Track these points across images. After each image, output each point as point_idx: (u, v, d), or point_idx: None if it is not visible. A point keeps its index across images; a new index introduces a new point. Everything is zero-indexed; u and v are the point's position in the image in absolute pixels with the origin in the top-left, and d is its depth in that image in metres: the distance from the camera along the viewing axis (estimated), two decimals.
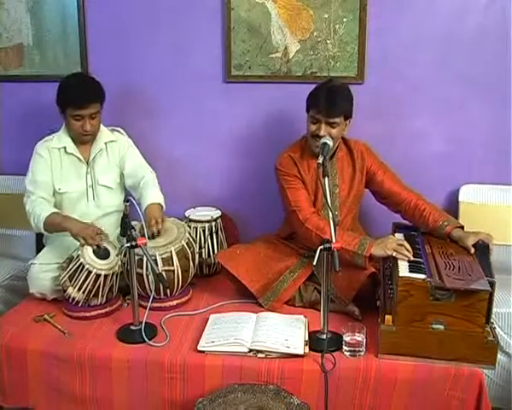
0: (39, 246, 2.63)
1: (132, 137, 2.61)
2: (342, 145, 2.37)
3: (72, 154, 2.44)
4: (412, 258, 2.03)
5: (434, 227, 2.21)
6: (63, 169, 2.44)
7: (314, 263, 1.89)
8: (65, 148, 2.43)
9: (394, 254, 2.06)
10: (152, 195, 2.40)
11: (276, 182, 2.39)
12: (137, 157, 2.56)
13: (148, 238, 2.17)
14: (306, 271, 2.27)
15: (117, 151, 2.52)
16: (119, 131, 2.58)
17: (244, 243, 2.58)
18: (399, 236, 2.25)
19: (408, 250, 2.06)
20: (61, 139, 2.44)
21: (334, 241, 1.89)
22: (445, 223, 2.18)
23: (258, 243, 2.47)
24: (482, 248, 2.08)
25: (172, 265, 2.24)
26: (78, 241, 2.21)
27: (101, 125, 2.49)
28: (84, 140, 2.43)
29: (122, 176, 2.54)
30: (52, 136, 2.46)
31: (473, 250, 2.06)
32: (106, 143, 2.49)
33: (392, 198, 2.35)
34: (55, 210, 2.32)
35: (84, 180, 2.46)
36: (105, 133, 2.50)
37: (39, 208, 2.29)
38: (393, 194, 2.33)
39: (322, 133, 2.20)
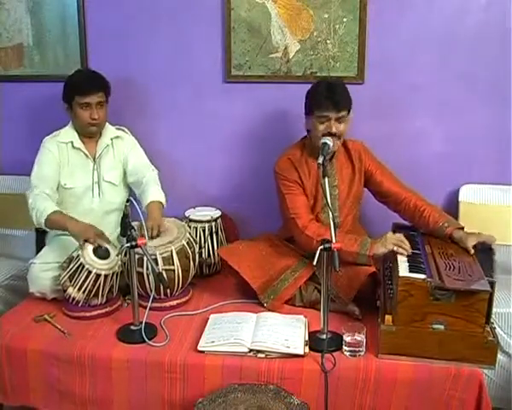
0: (39, 246, 2.63)
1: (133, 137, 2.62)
2: (340, 146, 2.37)
3: (79, 149, 2.47)
4: (411, 251, 2.06)
5: (435, 228, 2.21)
6: (70, 164, 2.47)
7: (314, 263, 1.89)
8: (72, 142, 2.46)
9: (395, 248, 2.08)
10: (153, 193, 2.42)
11: (274, 184, 2.39)
12: (141, 156, 2.59)
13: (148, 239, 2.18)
14: (308, 271, 2.27)
15: (122, 149, 2.55)
16: (123, 130, 2.60)
17: (246, 240, 2.56)
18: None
19: (407, 245, 2.08)
20: (68, 134, 2.48)
21: (334, 241, 1.89)
22: (446, 224, 2.18)
23: (260, 241, 2.47)
24: (485, 250, 2.07)
25: (173, 264, 2.24)
26: (78, 241, 2.21)
27: (107, 123, 2.52)
28: (91, 131, 2.46)
29: (125, 173, 2.56)
30: (59, 131, 2.49)
31: (472, 251, 2.05)
32: (112, 139, 2.53)
33: (391, 198, 2.35)
34: (58, 209, 2.32)
35: (91, 176, 2.49)
36: (110, 129, 2.55)
37: (43, 204, 2.29)
38: (392, 194, 2.33)
39: (333, 130, 2.19)
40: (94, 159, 2.49)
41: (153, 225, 2.26)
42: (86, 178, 2.48)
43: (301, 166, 2.33)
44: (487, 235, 2.11)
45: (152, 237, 2.25)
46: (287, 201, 2.31)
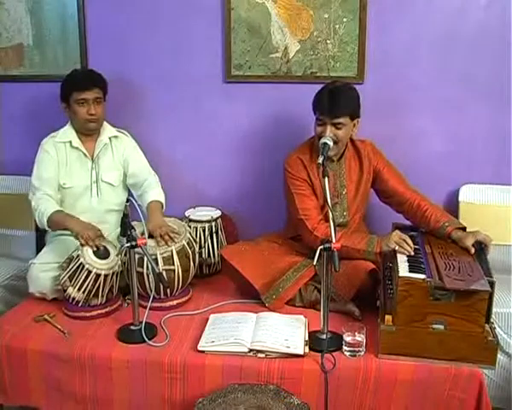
0: (39, 246, 2.63)
1: (133, 138, 2.62)
2: (349, 146, 2.38)
3: (77, 148, 2.48)
4: (413, 253, 2.06)
5: (436, 228, 2.21)
6: (68, 164, 2.48)
7: (314, 263, 1.89)
8: (70, 142, 2.48)
9: (397, 247, 2.08)
10: (154, 193, 2.43)
11: (282, 180, 2.39)
12: (141, 160, 2.59)
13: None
14: (310, 271, 2.27)
15: (121, 150, 2.56)
16: (123, 133, 2.60)
17: (247, 241, 2.56)
18: None
19: (409, 246, 2.09)
20: (67, 133, 2.49)
21: (334, 241, 1.89)
22: (446, 224, 2.18)
23: (262, 242, 2.48)
24: (480, 248, 2.08)
25: (173, 264, 2.24)
26: (79, 240, 2.21)
27: (105, 122, 2.53)
28: (90, 128, 2.46)
29: (125, 175, 2.57)
30: (57, 132, 2.50)
31: (473, 251, 2.06)
32: (110, 138, 2.53)
33: (395, 198, 2.35)
34: (59, 208, 2.34)
35: (89, 176, 2.49)
36: (109, 129, 2.56)
37: (44, 206, 2.32)
38: (397, 193, 2.34)
39: (326, 135, 2.20)
40: (92, 158, 2.50)
41: (166, 231, 2.25)
42: (85, 177, 2.49)
43: (310, 165, 2.33)
44: (484, 234, 2.11)
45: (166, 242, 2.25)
46: (296, 201, 2.31)
